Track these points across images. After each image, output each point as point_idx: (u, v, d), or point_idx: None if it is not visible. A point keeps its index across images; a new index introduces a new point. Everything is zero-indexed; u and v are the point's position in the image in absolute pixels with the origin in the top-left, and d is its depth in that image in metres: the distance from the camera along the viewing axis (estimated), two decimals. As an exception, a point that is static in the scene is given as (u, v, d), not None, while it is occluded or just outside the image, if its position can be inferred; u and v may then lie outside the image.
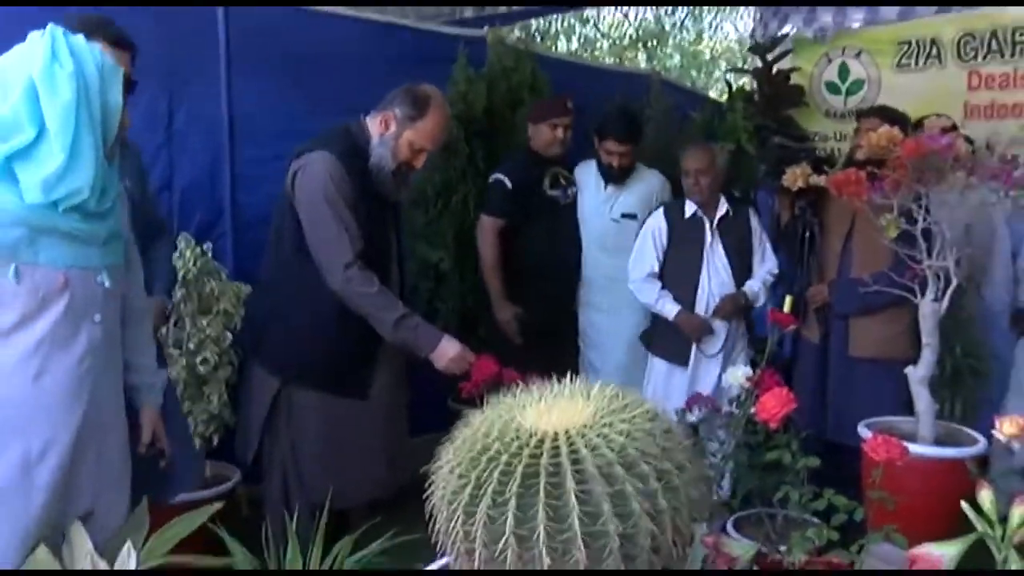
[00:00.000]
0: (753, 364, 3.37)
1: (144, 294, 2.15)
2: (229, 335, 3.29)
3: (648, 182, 3.95)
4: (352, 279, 2.56)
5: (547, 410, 1.29)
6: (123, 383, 2.03)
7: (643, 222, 3.76)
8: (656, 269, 3.68)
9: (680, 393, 3.50)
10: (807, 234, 3.55)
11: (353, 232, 2.56)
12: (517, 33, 4.78)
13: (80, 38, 1.78)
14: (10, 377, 1.74)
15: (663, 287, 3.66)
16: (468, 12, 5.70)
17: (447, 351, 2.64)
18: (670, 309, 3.62)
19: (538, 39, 4.69)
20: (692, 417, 3.02)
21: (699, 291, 3.62)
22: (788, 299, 3.41)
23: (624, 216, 3.87)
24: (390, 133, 2.61)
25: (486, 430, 1.28)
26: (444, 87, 4.10)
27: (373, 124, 2.64)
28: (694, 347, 3.63)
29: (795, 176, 3.09)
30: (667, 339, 3.69)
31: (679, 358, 3.67)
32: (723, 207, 3.65)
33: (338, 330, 2.67)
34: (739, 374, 2.85)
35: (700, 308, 3.63)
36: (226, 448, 3.25)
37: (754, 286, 3.66)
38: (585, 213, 3.93)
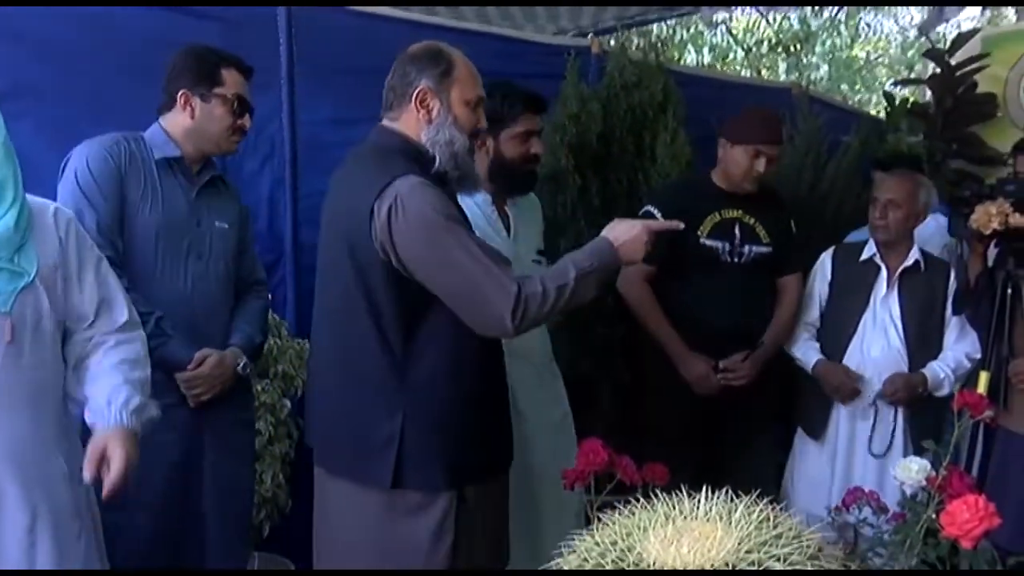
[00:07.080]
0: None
1: None
2: (288, 403, 3.19)
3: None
4: (525, 312, 2.20)
5: (676, 537, 1.21)
6: None
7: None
8: (815, 320, 3.56)
9: (825, 478, 3.40)
10: (1007, 291, 3.20)
11: (493, 255, 2.23)
12: (636, 41, 4.67)
13: None
14: None
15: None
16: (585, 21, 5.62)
17: (633, 242, 2.33)
18: (810, 357, 3.47)
19: (659, 49, 4.53)
20: (850, 518, 2.84)
21: (849, 352, 3.43)
22: (983, 376, 3.14)
23: None
24: (438, 108, 2.36)
25: (595, 563, 1.17)
26: (551, 108, 4.04)
27: (405, 121, 2.38)
28: (840, 420, 3.44)
29: (987, 216, 2.89)
30: (807, 406, 3.53)
31: (815, 430, 3.50)
32: (913, 256, 3.43)
33: (483, 388, 2.42)
34: (914, 468, 2.64)
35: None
36: (281, 537, 3.19)
37: (940, 371, 3.37)
38: None
